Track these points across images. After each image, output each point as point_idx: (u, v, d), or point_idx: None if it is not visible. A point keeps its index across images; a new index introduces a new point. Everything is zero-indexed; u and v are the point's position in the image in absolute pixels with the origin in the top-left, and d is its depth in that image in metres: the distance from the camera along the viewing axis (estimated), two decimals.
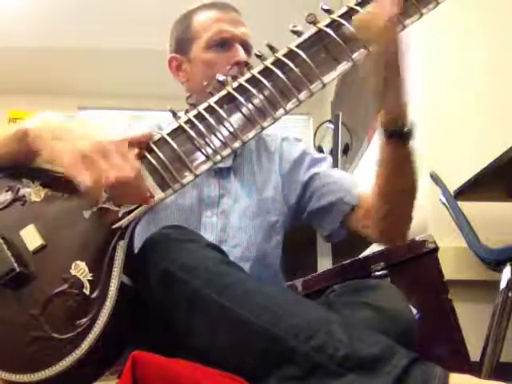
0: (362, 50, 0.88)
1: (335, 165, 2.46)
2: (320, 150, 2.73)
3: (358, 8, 0.88)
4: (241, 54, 1.15)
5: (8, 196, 0.87)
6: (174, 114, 0.89)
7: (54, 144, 0.84)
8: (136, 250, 0.89)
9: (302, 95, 0.87)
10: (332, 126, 2.62)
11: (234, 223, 1.13)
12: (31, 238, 0.83)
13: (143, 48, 3.75)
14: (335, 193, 1.14)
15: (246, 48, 1.18)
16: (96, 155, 0.78)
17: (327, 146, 2.73)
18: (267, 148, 1.26)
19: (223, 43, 1.17)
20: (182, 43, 1.23)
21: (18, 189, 0.88)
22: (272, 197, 1.18)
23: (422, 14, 0.91)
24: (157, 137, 0.87)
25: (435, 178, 2.02)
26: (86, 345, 0.75)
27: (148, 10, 3.47)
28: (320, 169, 1.20)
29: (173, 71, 1.26)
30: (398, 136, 0.95)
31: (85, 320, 0.76)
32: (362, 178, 1.33)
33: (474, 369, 1.45)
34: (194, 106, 0.89)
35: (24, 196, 0.87)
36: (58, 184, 0.87)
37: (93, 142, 0.79)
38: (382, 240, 1.15)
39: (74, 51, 3.90)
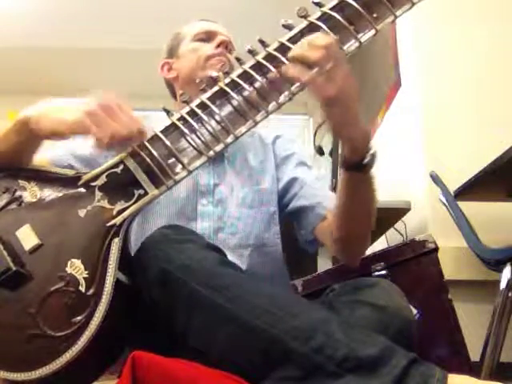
0: (353, 41, 0.87)
1: (335, 165, 2.46)
2: (320, 150, 2.72)
3: (349, 0, 0.86)
4: (223, 38, 1.24)
5: (4, 197, 0.88)
6: (168, 112, 0.90)
7: (55, 118, 0.85)
8: (131, 245, 0.89)
9: (294, 88, 0.87)
10: None
11: (232, 213, 1.14)
12: (27, 237, 0.83)
13: (143, 48, 3.75)
14: (315, 197, 1.15)
15: (229, 46, 1.26)
16: (101, 113, 0.82)
17: (327, 146, 2.72)
18: (262, 140, 1.28)
19: (207, 36, 1.26)
20: (172, 49, 1.31)
21: (15, 190, 0.88)
22: (269, 188, 1.19)
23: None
24: (150, 134, 0.88)
25: (435, 178, 2.01)
26: (82, 342, 0.75)
27: (148, 9, 3.47)
28: (305, 173, 1.21)
29: (164, 74, 1.31)
30: (358, 167, 0.90)
31: (81, 317, 0.76)
32: None
33: (473, 369, 1.45)
34: (186, 102, 0.90)
35: (20, 197, 0.88)
36: (54, 184, 0.88)
37: (95, 102, 0.83)
38: (337, 256, 1.14)
39: (74, 51, 3.90)
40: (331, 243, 1.09)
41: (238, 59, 0.91)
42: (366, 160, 0.89)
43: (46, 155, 1.06)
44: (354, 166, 0.90)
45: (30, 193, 0.88)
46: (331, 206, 1.10)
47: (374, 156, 0.90)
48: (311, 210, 1.14)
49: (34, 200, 0.87)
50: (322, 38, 0.82)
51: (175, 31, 1.34)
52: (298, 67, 0.82)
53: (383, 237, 2.27)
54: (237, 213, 1.14)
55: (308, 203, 1.15)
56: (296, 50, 0.83)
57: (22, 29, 3.68)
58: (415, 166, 2.35)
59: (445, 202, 1.96)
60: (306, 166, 1.24)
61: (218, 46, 1.23)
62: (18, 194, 0.88)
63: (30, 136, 0.88)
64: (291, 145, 1.28)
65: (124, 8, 3.53)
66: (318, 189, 1.18)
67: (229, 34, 1.29)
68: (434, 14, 2.26)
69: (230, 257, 1.05)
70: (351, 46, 0.86)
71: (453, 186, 1.95)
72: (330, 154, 2.54)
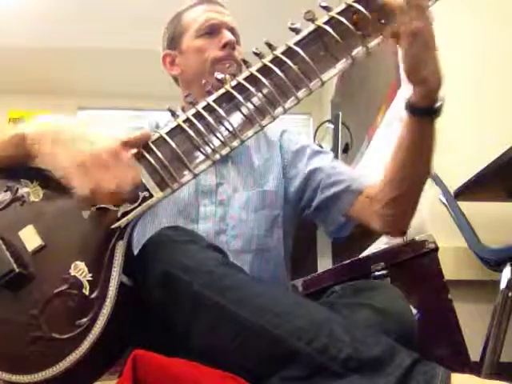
0: (360, 48, 0.87)
1: None
2: None
3: (356, 5, 0.87)
4: (228, 36, 1.20)
5: (7, 196, 0.87)
6: (173, 113, 0.88)
7: (52, 149, 0.82)
8: (133, 246, 0.88)
9: (301, 93, 0.87)
10: (332, 126, 2.61)
11: (235, 214, 1.13)
12: (30, 238, 0.83)
13: (143, 48, 3.74)
14: (341, 183, 1.13)
15: (234, 35, 1.22)
16: (94, 165, 0.78)
17: (327, 145, 2.73)
18: (267, 138, 1.26)
19: (211, 30, 1.22)
20: (174, 39, 1.27)
21: (17, 189, 0.87)
22: (274, 190, 1.18)
23: None
24: (155, 136, 0.87)
25: (435, 178, 2.01)
26: (85, 345, 0.75)
27: (148, 10, 3.47)
28: (322, 162, 1.18)
29: (167, 67, 1.28)
30: (428, 112, 0.93)
31: (84, 320, 0.76)
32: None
33: (473, 369, 1.45)
34: (192, 104, 0.89)
35: (23, 196, 0.86)
36: (57, 184, 0.86)
37: (91, 152, 0.79)
38: (384, 228, 1.09)
39: (74, 51, 3.90)
40: (374, 213, 1.06)
41: (244, 61, 0.90)
42: (437, 104, 0.91)
43: None
44: (424, 111, 0.92)
45: (33, 192, 0.86)
46: (359, 185, 1.10)
47: (443, 102, 0.91)
48: (338, 198, 1.12)
49: (37, 200, 0.86)
50: None
51: (175, 15, 1.29)
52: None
53: (383, 237, 2.27)
54: (239, 215, 1.13)
55: (333, 191, 1.13)
56: None
57: (22, 29, 3.68)
58: None
59: (445, 202, 1.96)
60: (322, 153, 1.21)
61: (224, 46, 1.19)
62: (20, 192, 0.86)
63: (26, 152, 0.86)
64: (299, 137, 1.27)
65: (124, 8, 3.53)
66: (341, 173, 1.15)
67: (233, 20, 1.25)
68: (434, 14, 2.26)
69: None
70: (358, 52, 0.87)
71: (453, 186, 1.95)
72: None
